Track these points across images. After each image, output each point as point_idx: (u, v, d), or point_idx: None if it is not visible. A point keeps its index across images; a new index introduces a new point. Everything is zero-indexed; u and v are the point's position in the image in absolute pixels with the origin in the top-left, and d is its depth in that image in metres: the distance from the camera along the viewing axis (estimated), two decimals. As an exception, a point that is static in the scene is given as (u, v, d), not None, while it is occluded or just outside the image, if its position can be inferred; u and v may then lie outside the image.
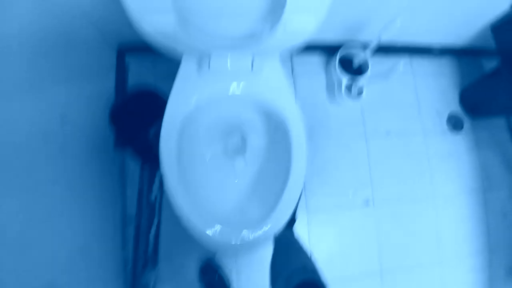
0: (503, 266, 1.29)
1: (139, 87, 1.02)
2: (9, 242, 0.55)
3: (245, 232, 0.73)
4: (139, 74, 1.20)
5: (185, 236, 1.12)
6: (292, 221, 1.10)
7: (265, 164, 0.89)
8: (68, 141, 0.78)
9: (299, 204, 1.13)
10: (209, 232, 0.72)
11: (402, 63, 0.82)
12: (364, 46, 1.07)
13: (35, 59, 0.66)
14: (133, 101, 1.00)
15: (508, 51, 1.07)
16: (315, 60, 1.32)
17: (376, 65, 1.18)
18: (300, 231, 1.18)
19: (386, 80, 0.90)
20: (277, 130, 0.88)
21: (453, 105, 1.38)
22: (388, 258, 1.22)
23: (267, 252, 1.14)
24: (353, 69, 1.21)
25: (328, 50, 1.28)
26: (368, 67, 1.17)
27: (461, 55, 1.42)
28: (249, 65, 0.77)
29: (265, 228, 0.73)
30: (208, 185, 0.88)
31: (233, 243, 0.73)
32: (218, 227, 0.72)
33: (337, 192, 1.23)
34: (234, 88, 0.81)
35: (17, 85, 0.61)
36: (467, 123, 1.37)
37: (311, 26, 0.70)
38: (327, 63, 1.31)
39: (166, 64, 1.20)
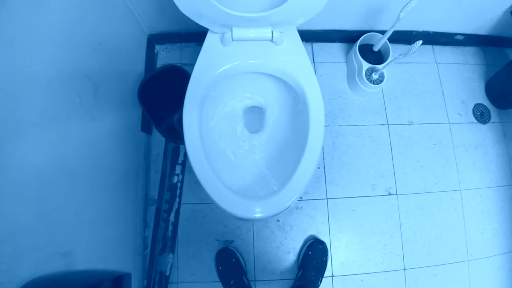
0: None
1: (167, 65, 1.07)
2: (31, 204, 0.55)
3: (262, 204, 0.73)
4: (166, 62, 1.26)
5: (203, 221, 1.14)
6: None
7: (283, 137, 0.90)
8: (98, 116, 0.81)
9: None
10: (229, 205, 0.73)
11: (420, 41, 0.82)
12: (384, 32, 1.08)
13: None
14: (161, 76, 1.04)
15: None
16: (336, 48, 1.32)
17: (396, 51, 1.16)
18: (320, 220, 1.16)
19: (404, 58, 0.90)
20: (295, 102, 0.90)
21: (479, 96, 1.33)
22: (411, 253, 1.16)
23: (283, 239, 1.13)
24: (374, 56, 1.21)
25: (348, 37, 1.28)
26: (389, 54, 1.16)
27: (485, 45, 1.38)
28: (269, 36, 0.80)
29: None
30: (228, 160, 0.90)
31: (252, 216, 0.73)
32: (239, 200, 0.73)
33: (359, 181, 1.20)
34: (255, 58, 0.83)
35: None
36: (494, 113, 1.31)
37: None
38: (348, 51, 1.32)
39: (192, 53, 1.27)
